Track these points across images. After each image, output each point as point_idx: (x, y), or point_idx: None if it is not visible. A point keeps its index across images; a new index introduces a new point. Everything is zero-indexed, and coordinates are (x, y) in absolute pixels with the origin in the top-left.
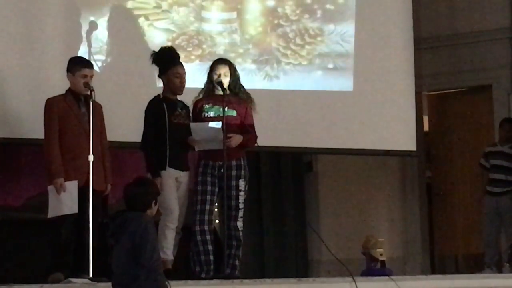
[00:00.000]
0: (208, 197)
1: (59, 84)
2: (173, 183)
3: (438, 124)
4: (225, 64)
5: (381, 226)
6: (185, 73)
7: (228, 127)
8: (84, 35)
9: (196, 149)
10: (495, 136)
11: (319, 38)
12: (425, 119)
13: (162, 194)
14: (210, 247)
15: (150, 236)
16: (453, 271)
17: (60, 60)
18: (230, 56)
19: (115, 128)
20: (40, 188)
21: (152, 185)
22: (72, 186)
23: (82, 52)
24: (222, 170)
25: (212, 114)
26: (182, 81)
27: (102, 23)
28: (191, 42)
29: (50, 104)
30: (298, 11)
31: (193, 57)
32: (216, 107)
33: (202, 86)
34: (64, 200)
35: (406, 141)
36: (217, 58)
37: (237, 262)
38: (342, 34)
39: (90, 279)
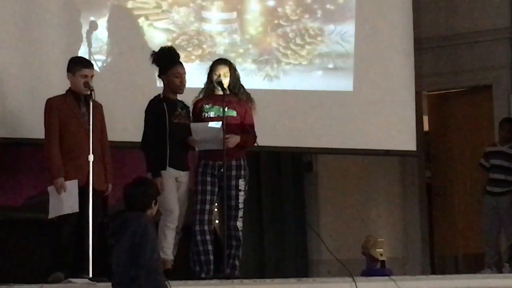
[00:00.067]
0: (208, 197)
1: (59, 84)
2: (173, 183)
3: (438, 124)
4: (225, 64)
5: (381, 226)
6: (185, 73)
7: (228, 127)
8: (84, 35)
9: (197, 149)
10: (495, 136)
11: (319, 38)
12: (425, 119)
13: (162, 194)
14: (210, 247)
15: (150, 236)
16: (453, 271)
17: (60, 60)
18: (230, 56)
19: (115, 128)
20: (40, 188)
21: (152, 185)
22: (72, 185)
23: (82, 52)
24: (222, 170)
25: (212, 114)
26: (182, 81)
27: (102, 23)
28: (191, 42)
29: (50, 104)
30: (298, 11)
31: (193, 57)
32: (216, 107)
33: (202, 86)
34: (65, 200)
35: (406, 141)
36: (217, 58)
37: (237, 262)
38: (342, 34)
39: (90, 279)
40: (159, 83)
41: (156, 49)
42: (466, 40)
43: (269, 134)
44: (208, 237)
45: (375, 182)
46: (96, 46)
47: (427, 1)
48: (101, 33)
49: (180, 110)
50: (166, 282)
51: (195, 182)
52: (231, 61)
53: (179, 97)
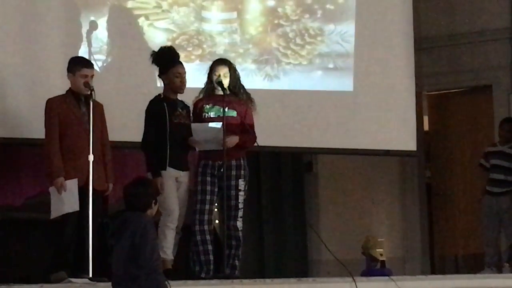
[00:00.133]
0: (208, 197)
1: (59, 84)
2: (173, 183)
3: (438, 124)
4: (225, 65)
5: (381, 226)
6: (185, 73)
7: (228, 127)
8: (84, 35)
9: (197, 150)
10: (495, 136)
11: (319, 38)
12: (425, 119)
13: (162, 194)
14: (209, 247)
15: (150, 236)
16: (453, 271)
17: (60, 60)
18: (230, 56)
19: (115, 128)
20: (40, 188)
21: (152, 185)
22: (72, 184)
23: (82, 52)
24: (222, 170)
25: (212, 114)
26: (183, 81)
27: (102, 23)
28: (191, 42)
29: (51, 104)
30: (298, 11)
31: (193, 57)
32: (217, 107)
33: (202, 86)
34: (65, 199)
35: (406, 141)
36: (217, 58)
37: (236, 262)
38: (342, 34)
39: (90, 279)
40: (159, 83)
41: (156, 49)
42: (466, 40)
43: (269, 134)
44: (208, 237)
45: (375, 182)
46: (96, 46)
47: (427, 1)
48: (101, 33)
49: (180, 110)
50: (166, 282)
51: (195, 182)
52: (231, 61)
53: (180, 97)
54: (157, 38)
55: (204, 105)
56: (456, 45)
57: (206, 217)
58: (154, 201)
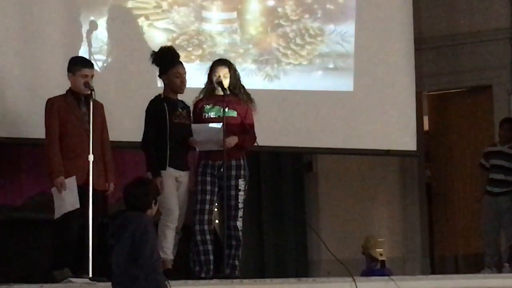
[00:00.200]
0: (208, 197)
1: (59, 84)
2: (173, 183)
3: (438, 124)
4: (225, 65)
5: (381, 226)
6: (185, 73)
7: (229, 127)
8: (84, 35)
9: (197, 150)
10: (495, 136)
11: (319, 38)
12: (425, 119)
13: (162, 194)
14: (209, 247)
15: (150, 236)
16: (453, 271)
17: (60, 60)
18: (230, 56)
19: (116, 128)
20: (40, 188)
21: (152, 185)
22: (71, 182)
23: (82, 52)
24: (221, 170)
25: (212, 114)
26: (183, 81)
27: (102, 23)
28: (191, 42)
29: (51, 104)
30: (298, 11)
31: (193, 57)
32: (217, 107)
33: (202, 86)
34: (66, 198)
35: (406, 141)
36: (217, 58)
37: (236, 262)
38: (342, 34)
39: (90, 279)
40: (160, 83)
41: (156, 49)
42: (466, 40)
43: (269, 134)
44: (208, 237)
45: (375, 182)
46: (96, 46)
47: (427, 1)
48: (101, 33)
49: (180, 110)
50: (166, 282)
51: (195, 182)
52: (231, 61)
53: (180, 97)
54: (157, 38)
55: (204, 106)
56: (456, 45)
57: (206, 217)
58: (154, 201)
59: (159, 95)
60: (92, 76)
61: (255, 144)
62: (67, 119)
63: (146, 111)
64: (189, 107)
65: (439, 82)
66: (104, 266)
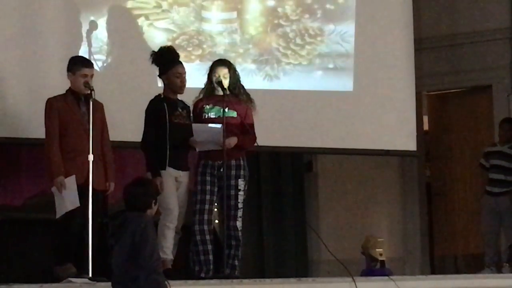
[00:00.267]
0: (208, 197)
1: (59, 84)
2: (173, 183)
3: (438, 124)
4: (225, 65)
5: (381, 226)
6: (185, 73)
7: (229, 127)
8: (84, 35)
9: (197, 150)
10: (495, 136)
11: (319, 38)
12: (425, 119)
13: (162, 193)
14: (209, 247)
15: (149, 236)
16: (453, 271)
17: (60, 60)
18: (230, 56)
19: (115, 128)
20: (40, 188)
21: (151, 185)
22: (71, 182)
23: (82, 52)
24: (221, 170)
25: (212, 114)
26: (183, 81)
27: (102, 23)
28: (191, 42)
29: (51, 104)
30: (298, 11)
31: (193, 57)
32: (217, 107)
33: (202, 86)
34: (66, 197)
35: (406, 141)
36: (217, 58)
37: (236, 262)
38: (342, 34)
39: (90, 279)
40: (160, 83)
41: (156, 49)
42: (466, 40)
43: (269, 134)
44: (207, 237)
45: (375, 182)
46: (96, 46)
47: (427, 1)
48: (101, 33)
49: (180, 110)
50: (166, 282)
51: (195, 182)
52: (231, 61)
53: (180, 97)
54: (157, 38)
55: (204, 106)
56: (456, 45)
57: (205, 217)
58: (154, 201)
59: (159, 95)
60: (92, 75)
61: (255, 144)
62: (67, 119)
63: (146, 111)
64: (189, 107)
65: (439, 82)
66: (104, 266)
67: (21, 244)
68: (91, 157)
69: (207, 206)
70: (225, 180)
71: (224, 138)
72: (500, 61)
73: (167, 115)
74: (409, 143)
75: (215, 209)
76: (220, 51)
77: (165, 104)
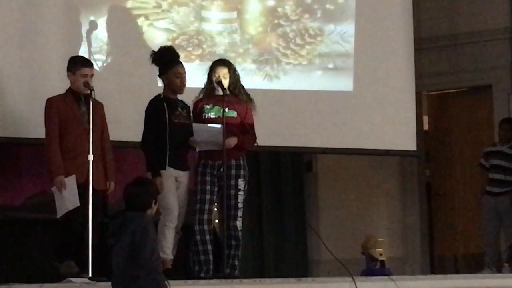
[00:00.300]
0: (208, 197)
1: (59, 83)
2: (173, 183)
3: (438, 124)
4: (225, 66)
5: (381, 226)
6: (185, 73)
7: (229, 127)
8: (84, 35)
9: (197, 150)
10: (495, 136)
11: (319, 38)
12: (425, 119)
13: (162, 193)
14: (209, 247)
15: (149, 236)
16: (453, 271)
17: (60, 60)
18: (230, 56)
19: (115, 128)
20: (40, 188)
21: (151, 185)
22: (71, 181)
23: (82, 52)
24: (221, 170)
25: (212, 115)
26: (183, 81)
27: (102, 22)
28: (191, 42)
29: (50, 104)
30: (298, 11)
31: (193, 57)
32: (217, 107)
33: (202, 86)
34: (67, 197)
35: (406, 141)
36: (217, 58)
37: (236, 262)
38: (342, 34)
39: (90, 278)
40: (160, 83)
41: (156, 49)
42: (466, 40)
43: (269, 134)
44: (207, 237)
45: (375, 182)
46: (96, 45)
47: (427, 1)
48: (101, 33)
49: (180, 110)
50: (166, 282)
51: (194, 182)
52: (231, 61)
53: (179, 97)
54: (157, 38)
55: (204, 106)
56: (456, 45)
57: (205, 216)
58: (154, 200)
59: (159, 95)
60: (92, 75)
61: (255, 144)
62: (67, 119)
63: (146, 111)
64: (189, 107)
65: (439, 82)
66: (104, 266)
67: (21, 244)
68: (91, 157)
69: (207, 206)
70: (225, 180)
71: (224, 138)
72: (500, 61)
73: (167, 115)
74: (409, 143)
75: (215, 209)
76: (220, 51)
77: (165, 104)
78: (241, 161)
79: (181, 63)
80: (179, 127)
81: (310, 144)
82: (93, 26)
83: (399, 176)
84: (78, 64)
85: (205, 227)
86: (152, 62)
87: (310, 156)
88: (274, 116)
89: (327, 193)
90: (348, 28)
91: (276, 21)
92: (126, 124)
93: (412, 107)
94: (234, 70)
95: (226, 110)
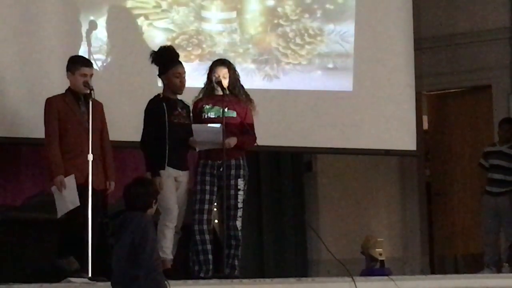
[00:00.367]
0: (207, 197)
1: (59, 83)
2: (172, 183)
3: (438, 124)
4: (224, 65)
5: (381, 226)
6: (185, 73)
7: (228, 127)
8: (84, 35)
9: (197, 150)
10: (495, 136)
11: (319, 38)
12: (425, 119)
13: (161, 193)
14: (209, 247)
15: (149, 236)
16: (453, 271)
17: (60, 60)
18: (230, 56)
19: (115, 128)
20: (40, 188)
21: (151, 184)
22: (70, 181)
23: (82, 52)
24: (221, 170)
25: (212, 114)
26: (182, 81)
27: (102, 22)
28: (191, 42)
29: (50, 103)
30: (298, 11)
31: (193, 56)
32: (217, 107)
33: (202, 86)
34: (67, 196)
35: (406, 141)
36: (217, 59)
37: (236, 262)
38: (342, 34)
39: (90, 278)
40: (160, 83)
41: (156, 49)
42: (466, 40)
43: (269, 134)
44: (207, 237)
45: (375, 182)
46: (95, 45)
47: (427, 1)
48: (101, 33)
49: (180, 110)
50: (166, 282)
51: (194, 182)
52: (231, 61)
53: (179, 96)
54: (156, 38)
55: (204, 106)
56: (456, 45)
57: (205, 216)
58: (154, 200)
59: (159, 94)
60: (92, 75)
61: (255, 144)
62: (66, 119)
63: (145, 111)
64: (188, 106)
65: (438, 82)
66: (104, 266)
67: (21, 244)
68: (90, 157)
69: (206, 206)
70: (224, 180)
71: (224, 138)
72: (500, 61)
73: (167, 115)
74: (409, 143)
75: (215, 209)
76: (220, 51)
77: (164, 104)
78: (241, 161)
79: (180, 63)
80: (179, 127)
81: (310, 144)
82: (93, 26)
83: (399, 176)
84: (77, 64)
85: (205, 227)
86: (152, 62)
87: (310, 156)
88: (274, 116)
89: (327, 193)
90: (348, 28)
91: (276, 21)
92: (126, 124)
93: (412, 107)
94: (234, 70)
95: (226, 110)
